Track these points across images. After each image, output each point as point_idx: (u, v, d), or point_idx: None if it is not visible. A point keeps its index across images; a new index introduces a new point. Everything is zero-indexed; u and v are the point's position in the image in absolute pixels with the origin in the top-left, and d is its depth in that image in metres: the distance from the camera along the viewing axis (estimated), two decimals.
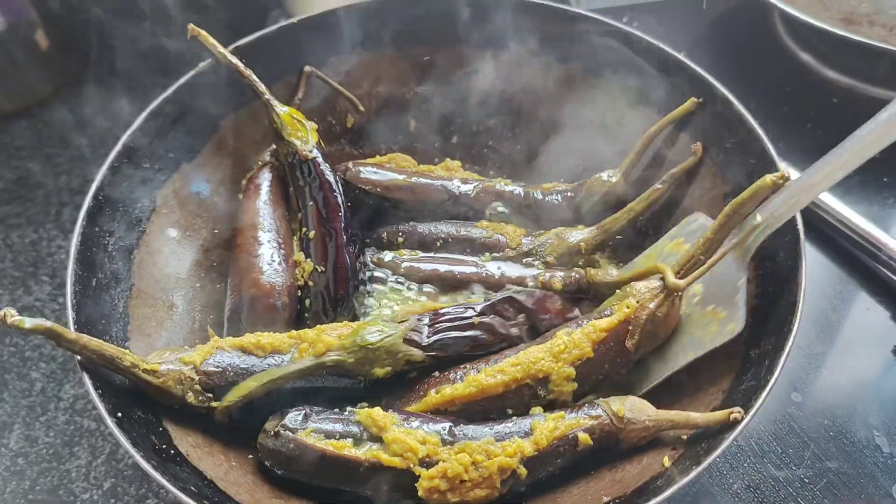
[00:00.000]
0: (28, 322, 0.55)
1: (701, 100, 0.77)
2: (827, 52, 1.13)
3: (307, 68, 0.85)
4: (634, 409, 0.63)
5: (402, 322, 0.67)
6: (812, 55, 1.15)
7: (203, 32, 0.76)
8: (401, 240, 0.83)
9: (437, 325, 0.68)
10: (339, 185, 0.79)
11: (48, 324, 0.56)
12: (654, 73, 0.81)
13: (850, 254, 0.91)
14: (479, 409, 0.65)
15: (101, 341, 0.59)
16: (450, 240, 0.82)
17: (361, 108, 0.89)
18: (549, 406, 0.66)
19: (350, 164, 0.84)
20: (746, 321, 0.64)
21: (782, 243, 0.66)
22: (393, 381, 0.67)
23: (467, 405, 0.65)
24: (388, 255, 0.82)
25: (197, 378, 0.62)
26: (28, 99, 1.36)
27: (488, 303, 0.70)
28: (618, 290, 0.70)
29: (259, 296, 0.73)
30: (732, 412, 0.57)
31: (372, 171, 0.84)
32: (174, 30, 0.84)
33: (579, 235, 0.79)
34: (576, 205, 0.83)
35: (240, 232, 0.77)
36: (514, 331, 0.70)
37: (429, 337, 0.67)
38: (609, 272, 0.76)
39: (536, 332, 0.71)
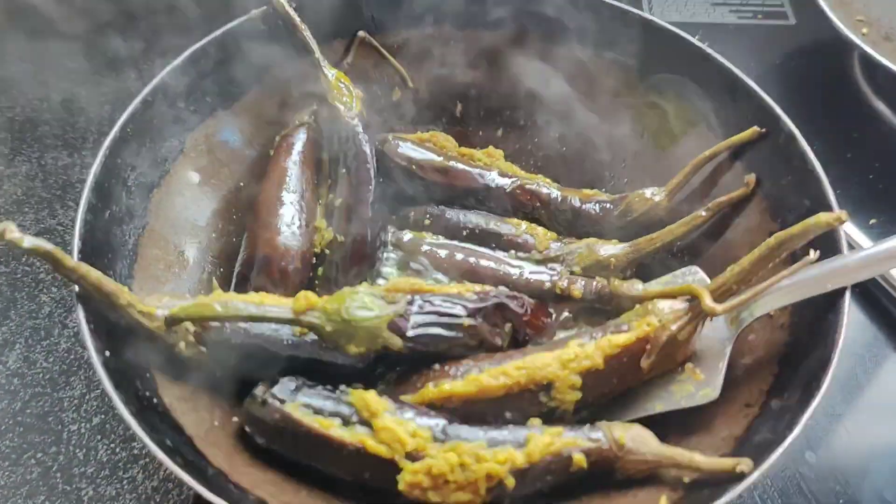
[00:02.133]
0: (27, 241, 0.53)
1: (764, 130, 0.73)
2: None
3: (361, 33, 0.82)
4: (637, 439, 0.59)
5: (391, 304, 0.62)
6: (887, 104, 1.10)
7: None
8: (428, 222, 0.80)
9: (423, 315, 0.63)
10: (374, 158, 0.76)
11: (48, 246, 0.54)
12: (720, 95, 0.77)
13: (892, 316, 0.87)
14: (476, 409, 0.62)
15: (101, 274, 0.57)
16: (477, 231, 0.79)
17: (411, 83, 0.86)
18: (548, 414, 0.63)
19: (389, 137, 0.82)
20: (773, 369, 0.61)
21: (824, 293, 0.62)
22: (391, 364, 0.65)
23: (465, 403, 0.62)
24: (407, 236, 0.78)
25: (192, 329, 0.60)
26: (85, 22, 1.35)
27: (480, 305, 0.65)
28: (638, 306, 0.66)
29: (272, 256, 0.70)
30: (740, 463, 0.54)
31: (410, 147, 0.82)
32: None
33: (611, 250, 0.76)
34: (613, 218, 0.79)
35: (264, 188, 0.75)
36: (498, 340, 0.67)
37: (413, 328, 0.62)
38: (635, 286, 0.72)
39: (517, 343, 0.68)
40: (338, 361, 0.62)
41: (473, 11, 0.85)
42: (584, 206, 0.80)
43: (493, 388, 0.62)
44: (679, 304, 0.64)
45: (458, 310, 0.64)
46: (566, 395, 0.62)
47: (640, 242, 0.76)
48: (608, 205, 0.80)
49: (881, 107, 1.10)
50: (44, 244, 0.54)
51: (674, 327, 0.62)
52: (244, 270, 0.72)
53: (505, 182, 0.81)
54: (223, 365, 0.61)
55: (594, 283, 0.74)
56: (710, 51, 0.77)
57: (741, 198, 0.73)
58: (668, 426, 0.64)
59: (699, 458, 0.57)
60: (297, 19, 0.75)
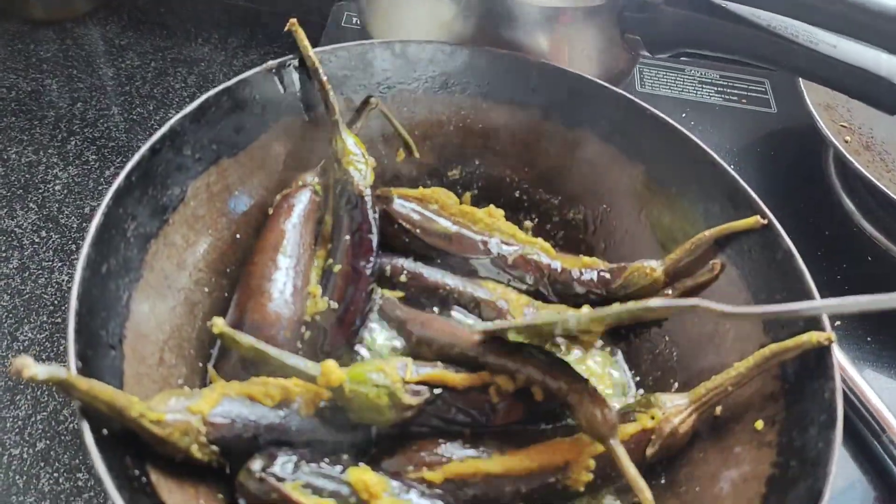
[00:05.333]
0: (42, 372, 0.49)
1: (766, 221, 0.75)
2: (874, 208, 1.12)
3: (373, 99, 0.81)
4: None
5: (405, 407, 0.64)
6: (857, 206, 1.14)
7: (300, 30, 0.73)
8: (402, 279, 0.79)
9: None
10: (377, 227, 0.75)
11: (63, 374, 0.51)
12: (719, 199, 0.79)
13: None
14: (495, 486, 0.64)
15: (114, 389, 0.53)
16: (455, 294, 0.79)
17: (417, 153, 0.86)
18: (562, 492, 0.65)
19: (395, 196, 0.81)
20: (760, 489, 0.62)
21: (817, 420, 0.64)
22: (395, 439, 0.65)
23: (486, 479, 0.64)
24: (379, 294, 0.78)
25: (204, 430, 0.58)
26: (63, 12, 1.31)
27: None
28: (641, 397, 0.71)
29: (261, 323, 0.68)
30: None
31: (415, 210, 0.81)
32: None
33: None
34: (611, 289, 0.80)
35: (260, 249, 0.73)
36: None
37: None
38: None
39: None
40: (344, 440, 0.63)
41: (481, 86, 0.86)
42: (582, 277, 0.81)
43: (518, 469, 0.64)
44: (680, 399, 0.68)
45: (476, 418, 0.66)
46: (580, 475, 0.65)
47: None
48: (606, 275, 0.81)
49: (851, 206, 1.14)
50: (59, 372, 0.50)
51: (675, 420, 0.67)
52: None
53: (509, 250, 0.81)
54: (237, 463, 0.59)
55: (596, 273, 0.79)
56: (714, 157, 0.79)
57: (708, 283, 0.76)
58: None
59: None
60: (325, 77, 0.73)
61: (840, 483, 0.86)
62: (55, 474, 0.75)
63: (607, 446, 0.63)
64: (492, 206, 0.87)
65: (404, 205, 0.81)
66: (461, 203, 0.87)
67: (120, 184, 0.65)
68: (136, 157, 0.66)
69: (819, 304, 0.68)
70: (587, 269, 0.82)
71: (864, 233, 1.11)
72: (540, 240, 0.85)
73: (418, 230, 0.80)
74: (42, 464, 0.75)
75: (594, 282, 0.81)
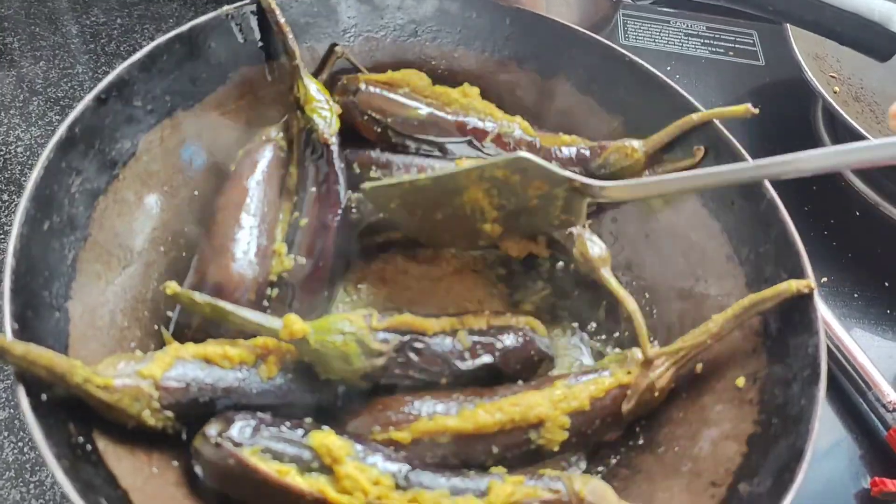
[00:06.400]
0: None
1: (758, 110, 0.73)
2: None
3: (338, 48, 0.77)
4: (596, 492, 0.59)
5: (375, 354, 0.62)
6: None
7: None
8: (374, 174, 0.75)
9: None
10: (345, 177, 0.72)
11: None
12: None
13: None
14: (465, 445, 0.62)
15: (53, 353, 0.50)
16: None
17: None
18: (535, 452, 0.63)
19: (362, 84, 0.77)
20: (741, 448, 0.60)
21: (800, 376, 0.61)
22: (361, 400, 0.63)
23: (456, 438, 0.62)
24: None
25: (157, 395, 0.54)
26: None
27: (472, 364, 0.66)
28: (617, 353, 0.70)
29: (224, 285, 0.65)
30: None
31: (384, 97, 0.77)
32: None
33: None
34: (590, 167, 0.78)
35: (222, 207, 0.69)
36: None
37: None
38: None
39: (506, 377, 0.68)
40: (309, 402, 0.60)
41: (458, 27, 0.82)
42: (562, 152, 0.78)
43: (489, 424, 0.62)
44: (657, 354, 0.67)
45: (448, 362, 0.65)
46: (555, 434, 0.63)
47: None
48: (586, 152, 0.78)
49: None
50: None
51: (652, 375, 0.65)
52: None
53: (486, 128, 0.78)
54: (193, 429, 0.56)
55: (576, 149, 0.77)
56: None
57: (689, 168, 0.74)
58: (631, 489, 0.63)
59: None
60: (283, 19, 0.69)
61: (825, 442, 0.84)
62: (19, 443, 0.73)
63: (598, 276, 0.69)
64: (466, 84, 0.82)
65: (372, 92, 0.77)
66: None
67: (62, 135, 0.60)
68: (80, 107, 0.62)
69: (752, 165, 0.67)
70: (567, 146, 0.79)
71: (853, 187, 1.08)
72: (518, 117, 0.81)
73: (389, 119, 0.76)
74: (6, 433, 0.73)
75: (573, 159, 0.78)
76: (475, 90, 0.81)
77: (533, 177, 0.69)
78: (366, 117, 0.76)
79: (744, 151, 0.72)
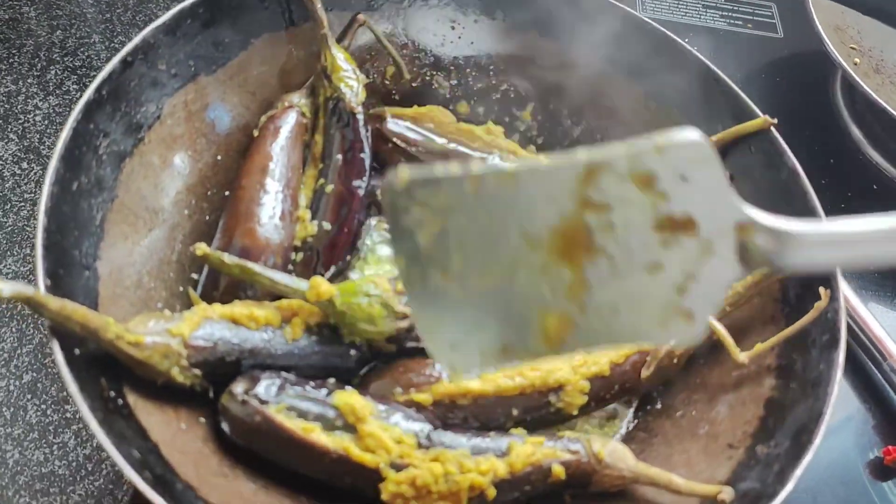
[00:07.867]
0: (6, 289, 0.47)
1: (775, 121, 0.73)
2: (881, 135, 1.08)
3: (360, 16, 0.77)
4: (615, 454, 0.60)
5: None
6: (863, 132, 1.10)
7: None
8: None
9: None
10: (370, 145, 0.72)
11: (30, 291, 0.48)
12: (722, 118, 0.75)
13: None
14: (485, 407, 0.63)
15: (87, 309, 0.51)
16: None
17: (407, 74, 0.82)
18: (554, 415, 0.64)
19: (388, 115, 0.78)
20: (758, 411, 0.60)
21: (819, 341, 0.62)
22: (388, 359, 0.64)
23: (477, 400, 0.62)
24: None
25: (185, 352, 0.55)
26: None
27: None
28: None
29: (251, 249, 0.66)
30: (721, 492, 0.55)
31: (410, 128, 0.78)
32: None
33: None
34: None
35: (247, 172, 0.70)
36: None
37: None
38: None
39: None
40: (332, 364, 0.61)
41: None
42: None
43: (509, 388, 0.62)
44: None
45: None
46: (575, 398, 0.64)
47: None
48: None
49: (858, 135, 1.11)
50: (24, 289, 0.48)
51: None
52: None
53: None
54: (220, 387, 0.57)
55: None
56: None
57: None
58: (646, 456, 0.64)
59: (678, 479, 0.58)
60: None
61: (839, 414, 0.85)
62: (42, 406, 0.73)
63: None
64: (490, 122, 0.83)
65: (398, 123, 0.78)
66: (458, 116, 0.83)
67: (90, 97, 0.61)
68: (107, 69, 0.63)
69: None
70: None
71: (871, 161, 1.08)
72: (542, 156, 0.81)
73: (413, 149, 0.77)
74: (29, 395, 0.73)
75: None
76: (499, 129, 0.83)
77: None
78: (391, 145, 0.77)
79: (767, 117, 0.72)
